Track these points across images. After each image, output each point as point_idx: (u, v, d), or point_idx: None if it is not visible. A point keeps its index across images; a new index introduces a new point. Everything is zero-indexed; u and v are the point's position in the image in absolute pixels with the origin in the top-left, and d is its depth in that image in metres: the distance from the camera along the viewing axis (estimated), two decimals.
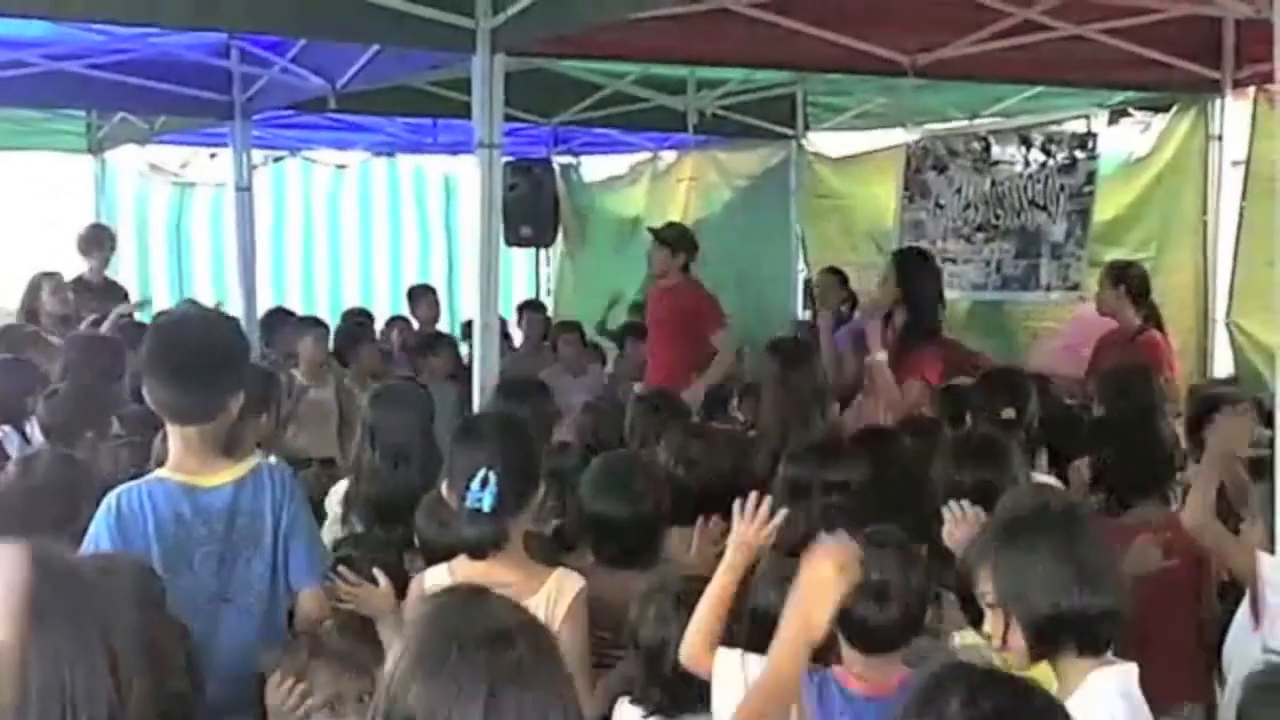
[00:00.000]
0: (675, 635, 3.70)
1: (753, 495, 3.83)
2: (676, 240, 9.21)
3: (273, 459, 4.44)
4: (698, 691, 3.62)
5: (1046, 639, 3.20)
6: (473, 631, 2.39)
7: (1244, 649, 4.18)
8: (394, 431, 5.34)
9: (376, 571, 4.17)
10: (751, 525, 3.79)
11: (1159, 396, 6.61)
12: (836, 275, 9.94)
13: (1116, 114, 9.80)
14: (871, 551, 3.53)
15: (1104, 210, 9.51)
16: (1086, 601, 3.16)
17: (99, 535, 3.94)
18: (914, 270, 7.86)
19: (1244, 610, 4.39)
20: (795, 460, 4.89)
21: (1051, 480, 5.63)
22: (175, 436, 4.08)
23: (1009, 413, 5.84)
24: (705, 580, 3.81)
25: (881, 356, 7.27)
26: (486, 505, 3.90)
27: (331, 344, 9.38)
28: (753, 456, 5.62)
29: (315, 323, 9.14)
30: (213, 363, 4.11)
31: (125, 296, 10.74)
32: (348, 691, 3.69)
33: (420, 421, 5.48)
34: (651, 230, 9.49)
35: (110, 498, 4.02)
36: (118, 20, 7.75)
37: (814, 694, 3.52)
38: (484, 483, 3.90)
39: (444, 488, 4.14)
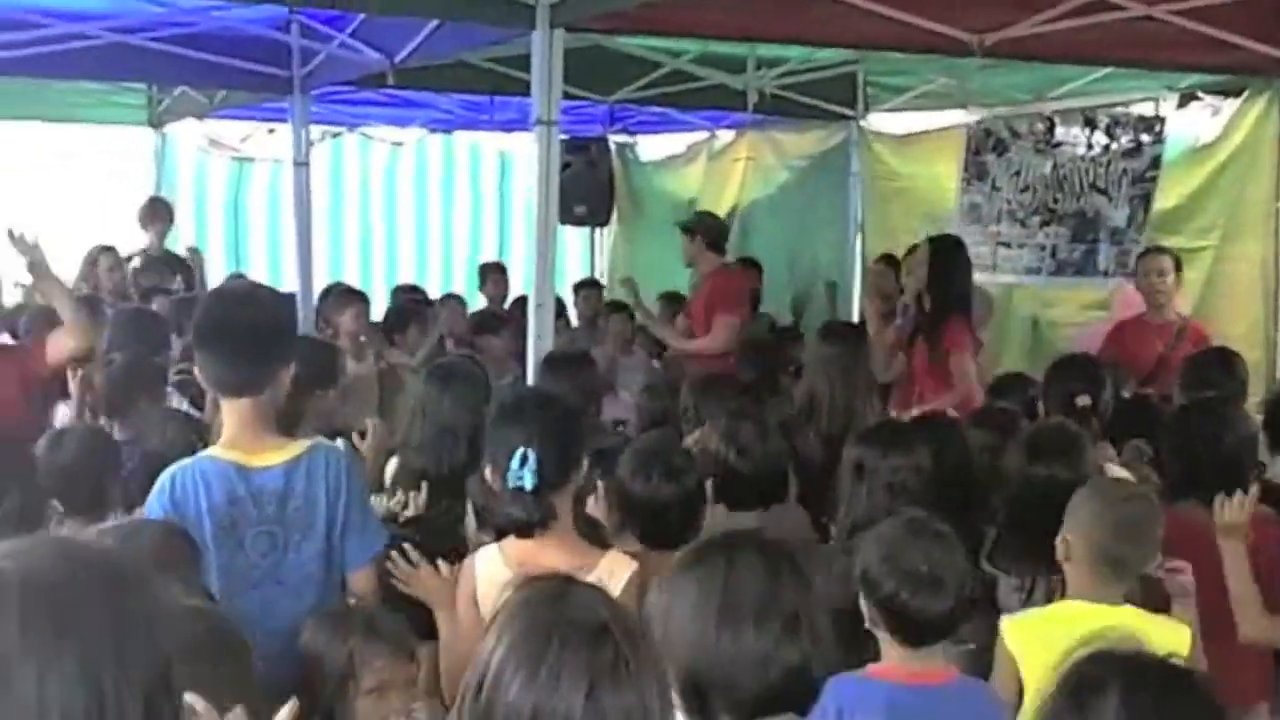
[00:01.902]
0: None
1: None
2: (698, 227, 9.32)
3: (320, 438, 4.40)
4: None
5: None
6: (569, 627, 2.36)
7: None
8: (444, 408, 5.31)
9: (440, 562, 4.12)
10: None
11: (1243, 388, 6.47)
12: (892, 264, 9.84)
13: (1186, 98, 9.62)
14: (917, 542, 3.51)
15: (1167, 197, 9.35)
16: None
17: (150, 513, 3.96)
18: (946, 257, 7.88)
19: None
20: (862, 442, 4.85)
21: (1124, 473, 5.53)
22: (228, 410, 4.10)
23: (1084, 400, 5.75)
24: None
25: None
26: (528, 483, 3.86)
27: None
28: (804, 439, 5.58)
29: (356, 297, 9.09)
30: (260, 334, 4.11)
31: (183, 266, 10.78)
32: (395, 678, 3.65)
33: (472, 399, 5.44)
34: (679, 223, 9.57)
35: (164, 477, 4.02)
36: None
37: (849, 695, 3.46)
38: (523, 460, 3.86)
39: (487, 468, 4.10)
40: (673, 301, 11.15)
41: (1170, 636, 3.87)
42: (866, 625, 3.62)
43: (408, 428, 5.48)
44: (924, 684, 3.52)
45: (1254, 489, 4.59)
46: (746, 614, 2.77)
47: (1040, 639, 3.81)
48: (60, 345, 6.24)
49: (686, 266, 9.44)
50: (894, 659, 3.56)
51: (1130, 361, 7.61)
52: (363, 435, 5.61)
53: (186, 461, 4.10)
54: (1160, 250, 8.48)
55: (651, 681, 2.37)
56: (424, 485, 5.12)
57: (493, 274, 11.92)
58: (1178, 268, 8.22)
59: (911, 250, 8.47)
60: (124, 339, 7.26)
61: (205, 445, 4.38)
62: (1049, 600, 4.43)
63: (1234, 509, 4.51)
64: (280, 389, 4.13)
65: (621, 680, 2.32)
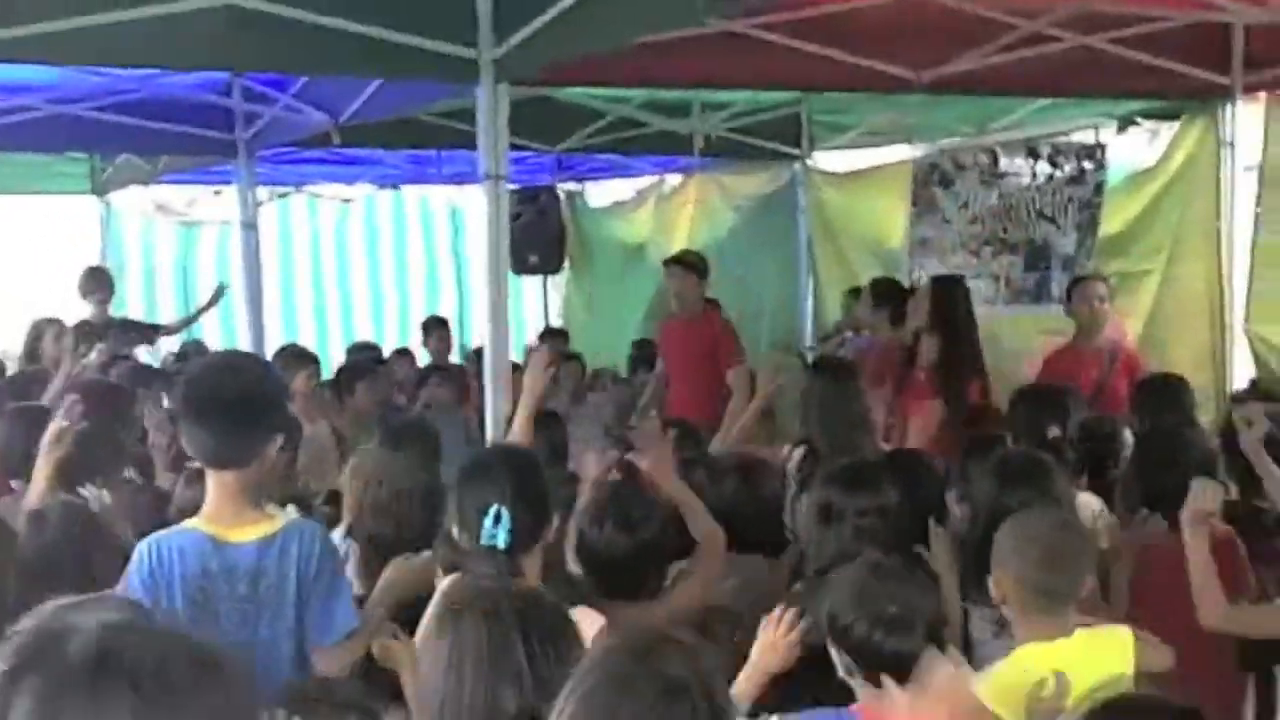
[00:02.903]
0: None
1: (778, 610, 3.76)
2: (700, 264, 9.14)
3: (296, 516, 4.36)
4: None
5: None
6: (647, 681, 2.33)
7: None
8: (398, 470, 5.28)
9: (395, 628, 4.08)
10: (778, 633, 3.75)
11: (1191, 411, 6.52)
12: (857, 295, 9.87)
13: (1125, 124, 9.74)
14: (884, 584, 3.53)
15: (1111, 221, 9.43)
16: None
17: (132, 587, 3.90)
18: (948, 295, 7.91)
19: None
20: (827, 484, 4.84)
21: (1093, 498, 5.56)
22: (212, 482, 4.04)
23: (1054, 431, 5.78)
24: (728, 611, 3.78)
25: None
26: (501, 542, 3.82)
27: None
28: (771, 484, 5.56)
29: (308, 359, 9.07)
30: (252, 406, 4.05)
31: (139, 329, 10.73)
32: None
33: (425, 460, 5.41)
34: (673, 259, 9.41)
35: (142, 547, 3.97)
36: (119, 63, 7.70)
37: None
38: (497, 519, 3.82)
39: (454, 526, 4.08)
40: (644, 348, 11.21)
41: (1115, 647, 3.92)
42: (840, 674, 3.62)
43: (361, 492, 5.41)
44: None
45: (1221, 488, 4.61)
46: (469, 667, 2.85)
47: (1010, 693, 3.82)
48: None
49: (680, 306, 9.15)
50: (870, 701, 3.56)
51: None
52: (326, 501, 5.57)
53: (164, 533, 4.05)
54: (1095, 277, 8.50)
55: None
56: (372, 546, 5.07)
57: (436, 329, 11.85)
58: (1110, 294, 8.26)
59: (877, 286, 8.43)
60: (82, 413, 7.16)
61: (164, 517, 4.34)
62: None
63: (1205, 497, 4.52)
64: (267, 461, 4.08)
65: None
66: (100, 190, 13.07)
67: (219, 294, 11.23)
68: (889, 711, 3.53)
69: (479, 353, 7.83)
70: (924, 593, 3.68)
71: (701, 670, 2.43)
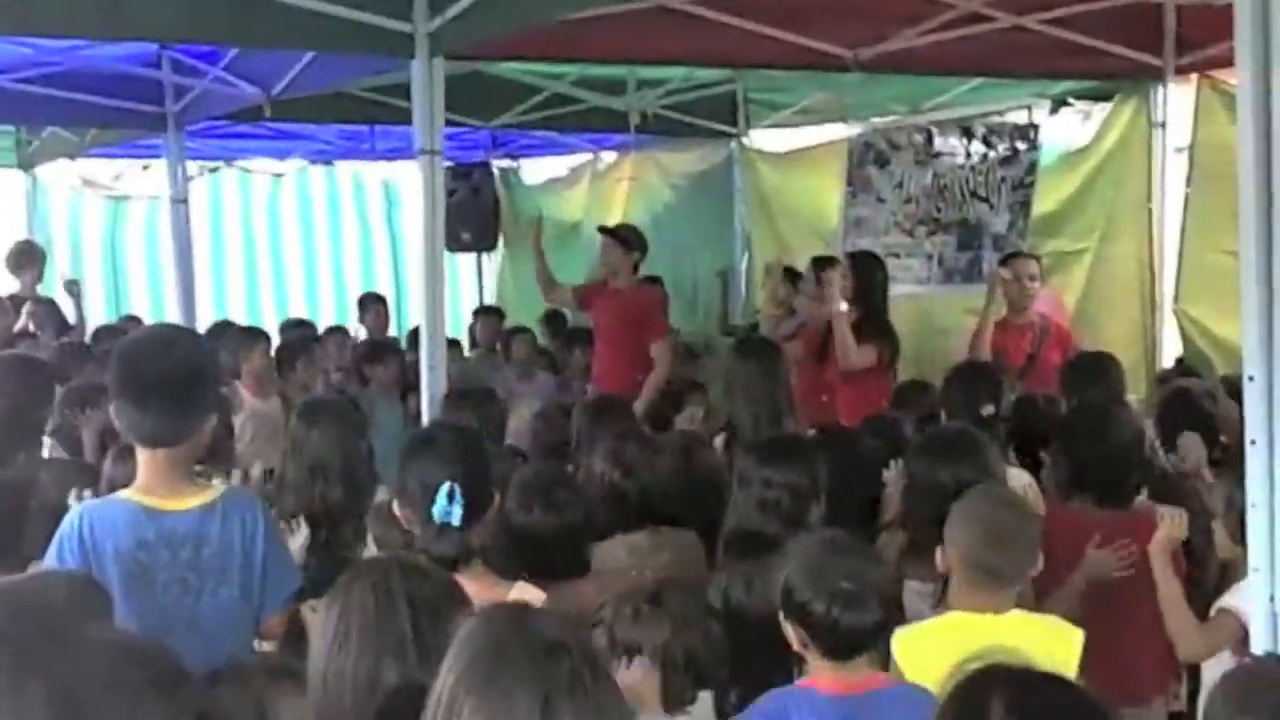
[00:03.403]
0: (649, 636, 3.65)
1: None
2: (633, 238, 9.16)
3: (235, 481, 4.33)
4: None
5: None
6: (525, 643, 2.33)
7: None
8: (314, 446, 5.25)
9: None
10: None
11: (1120, 389, 6.58)
12: (791, 277, 9.89)
13: (1058, 104, 9.81)
14: (838, 559, 3.54)
15: (1045, 201, 9.49)
16: None
17: (61, 554, 3.84)
18: (869, 273, 8.00)
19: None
20: (747, 453, 4.91)
21: (1022, 473, 5.60)
22: (144, 459, 3.97)
23: (989, 409, 5.81)
24: (681, 582, 3.82)
25: (843, 307, 7.34)
26: (456, 519, 3.81)
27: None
28: (709, 460, 5.57)
29: (261, 335, 9.01)
30: (188, 384, 3.98)
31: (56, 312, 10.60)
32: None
33: (342, 436, 5.38)
34: (606, 229, 9.41)
35: (73, 518, 3.91)
36: (42, 33, 7.59)
37: (785, 703, 3.51)
38: (451, 496, 3.82)
39: (395, 502, 4.06)
40: (552, 322, 11.23)
41: (1058, 641, 3.92)
42: (795, 648, 3.63)
43: (280, 468, 5.40)
44: (855, 692, 3.54)
45: (1174, 518, 4.64)
46: (354, 638, 2.84)
47: (927, 651, 3.84)
48: None
49: (610, 277, 9.17)
50: (824, 674, 3.57)
51: (998, 364, 7.68)
52: (266, 474, 5.54)
53: (95, 502, 4.02)
54: (1026, 255, 8.58)
55: (613, 704, 2.33)
56: (301, 522, 5.05)
57: (373, 305, 11.78)
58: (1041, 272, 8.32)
59: (826, 263, 8.46)
60: (3, 387, 7.09)
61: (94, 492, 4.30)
62: None
63: (1174, 525, 4.53)
64: (202, 440, 4.04)
65: (579, 697, 2.27)
66: (26, 164, 12.91)
67: (72, 289, 10.92)
68: (845, 684, 3.54)
69: (417, 333, 7.80)
70: (877, 567, 3.71)
71: (577, 633, 2.45)
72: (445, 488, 3.81)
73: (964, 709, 2.41)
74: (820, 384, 7.85)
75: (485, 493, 4.00)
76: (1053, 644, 3.88)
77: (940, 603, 4.47)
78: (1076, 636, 3.96)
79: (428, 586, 2.84)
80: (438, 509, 3.81)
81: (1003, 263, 8.48)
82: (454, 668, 2.34)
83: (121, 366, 4.11)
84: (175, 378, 3.95)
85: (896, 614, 3.95)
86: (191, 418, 3.98)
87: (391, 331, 11.85)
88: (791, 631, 3.61)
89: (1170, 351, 8.98)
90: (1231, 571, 4.66)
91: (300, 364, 8.92)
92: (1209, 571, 5.07)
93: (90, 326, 10.63)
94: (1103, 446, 5.09)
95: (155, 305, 12.97)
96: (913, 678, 3.76)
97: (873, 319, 7.82)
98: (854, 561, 3.60)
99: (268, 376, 8.37)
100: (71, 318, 10.42)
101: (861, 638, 3.54)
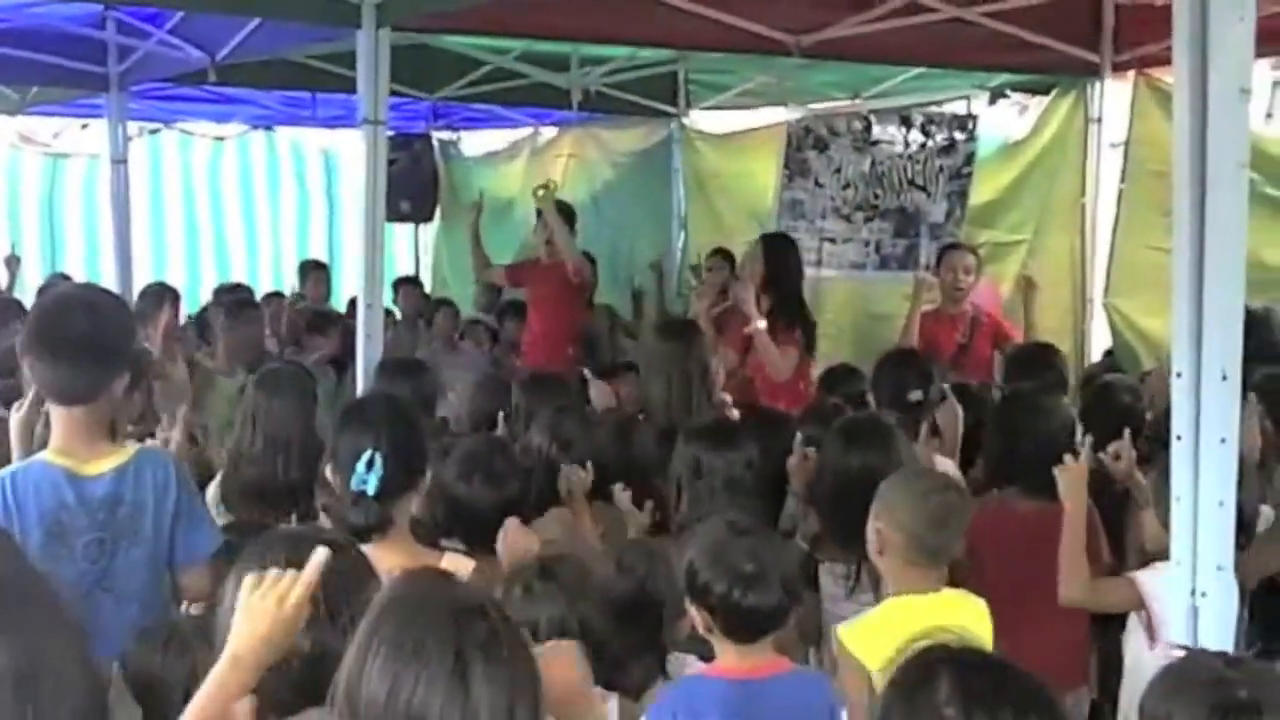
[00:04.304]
0: (545, 614, 3.66)
1: None
2: (569, 212, 9.23)
3: (150, 443, 4.37)
4: None
5: None
6: (442, 603, 2.35)
7: (1140, 665, 4.23)
8: (275, 418, 5.27)
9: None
10: None
11: (1063, 380, 6.69)
12: (726, 256, 9.95)
13: (996, 96, 9.90)
14: (739, 542, 3.60)
15: (981, 192, 9.58)
16: None
17: None
18: (780, 254, 7.99)
19: (1136, 632, 4.48)
20: (693, 440, 4.93)
21: (946, 461, 5.69)
22: (59, 417, 4.04)
23: (916, 395, 5.89)
24: (568, 558, 3.86)
25: (761, 324, 7.37)
26: (371, 488, 3.86)
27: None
28: (642, 438, 5.62)
29: (170, 294, 8.97)
30: (99, 342, 4.06)
31: None
32: None
33: (300, 405, 5.41)
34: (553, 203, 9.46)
35: None
36: None
37: (682, 694, 3.57)
38: (369, 465, 3.86)
39: (328, 470, 4.10)
40: (488, 292, 11.35)
41: (979, 616, 4.01)
42: (700, 631, 3.69)
43: (237, 439, 5.41)
44: (757, 676, 3.60)
45: (1086, 451, 4.76)
46: None
47: (878, 640, 3.90)
48: None
49: (543, 251, 9.23)
50: (729, 657, 3.63)
51: (929, 352, 7.75)
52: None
53: (17, 465, 4.06)
54: (963, 246, 8.71)
55: (527, 669, 2.34)
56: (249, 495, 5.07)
57: (313, 272, 11.75)
58: (978, 264, 8.44)
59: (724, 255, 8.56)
60: None
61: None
62: (876, 585, 4.55)
63: (1072, 465, 4.66)
64: (115, 397, 4.10)
65: (494, 658, 2.28)
66: None
67: (10, 264, 10.79)
68: (748, 667, 3.60)
69: (354, 303, 7.79)
70: (781, 550, 3.77)
71: (491, 599, 2.49)
72: (366, 456, 3.85)
73: (910, 689, 2.45)
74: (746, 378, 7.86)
75: (413, 463, 4.03)
76: (978, 621, 3.98)
77: (857, 584, 4.58)
78: (984, 607, 4.05)
79: (341, 560, 2.84)
80: (355, 477, 3.86)
81: (940, 255, 8.58)
82: (370, 622, 2.36)
83: (35, 323, 4.19)
84: (84, 334, 4.03)
85: (804, 595, 4.04)
86: (101, 374, 4.04)
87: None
88: (696, 614, 3.67)
89: (1099, 344, 9.11)
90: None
91: (229, 328, 8.87)
92: (1130, 558, 5.17)
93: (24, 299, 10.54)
94: (1031, 436, 5.20)
95: (90, 265, 12.88)
96: (873, 669, 3.82)
97: (786, 304, 7.75)
98: (755, 543, 3.65)
99: (173, 337, 8.30)
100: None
101: (763, 619, 3.61)
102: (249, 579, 2.72)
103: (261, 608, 2.67)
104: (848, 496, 4.67)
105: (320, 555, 2.71)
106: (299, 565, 2.74)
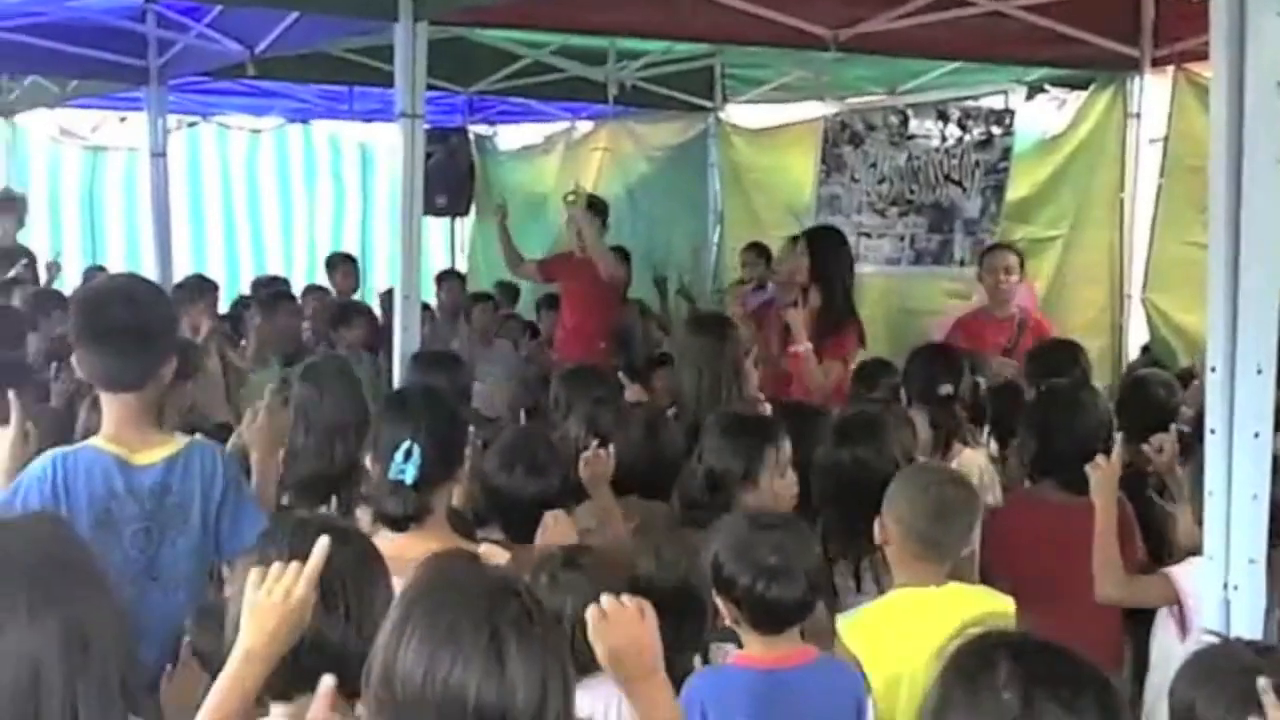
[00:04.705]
0: (570, 602, 3.62)
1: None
2: (601, 207, 9.24)
3: (195, 436, 4.41)
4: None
5: None
6: (472, 587, 2.38)
7: (1169, 658, 4.23)
8: (328, 409, 5.30)
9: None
10: None
11: (1086, 377, 6.65)
12: (761, 251, 9.94)
13: (1034, 90, 9.87)
14: (764, 535, 3.62)
15: (1018, 187, 9.57)
16: None
17: (28, 494, 3.92)
18: (829, 250, 7.83)
19: (1165, 626, 4.47)
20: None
21: (980, 455, 5.69)
22: (110, 405, 4.09)
23: (946, 389, 5.89)
24: (592, 548, 3.87)
25: (805, 347, 7.28)
26: (409, 477, 3.86)
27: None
28: (672, 432, 5.63)
29: (209, 287, 9.04)
30: (143, 328, 4.09)
31: (31, 259, 10.61)
32: None
33: (354, 395, 5.43)
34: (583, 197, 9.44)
35: (45, 462, 4.00)
36: None
37: (709, 684, 3.58)
38: (407, 455, 3.87)
39: (368, 460, 4.12)
40: (507, 290, 11.41)
41: (997, 608, 4.02)
42: (727, 623, 3.71)
43: (290, 436, 5.42)
44: (783, 666, 3.62)
45: (1118, 443, 4.73)
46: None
47: (879, 632, 3.95)
48: None
49: (581, 245, 9.21)
50: (755, 647, 3.65)
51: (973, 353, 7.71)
52: (220, 428, 5.57)
53: (70, 449, 4.08)
54: (1005, 247, 8.55)
55: (557, 649, 2.37)
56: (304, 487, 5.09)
57: (342, 265, 11.76)
58: (1020, 263, 8.34)
59: (794, 241, 8.50)
60: None
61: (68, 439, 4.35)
62: (878, 580, 4.59)
63: (1103, 464, 4.63)
64: (162, 384, 4.15)
65: (527, 635, 2.31)
66: (6, 111, 12.88)
67: (51, 269, 10.89)
68: (774, 658, 3.62)
69: (390, 294, 7.82)
70: (805, 542, 3.77)
71: (523, 581, 2.53)
72: (404, 446, 3.87)
73: (969, 672, 2.45)
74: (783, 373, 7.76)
75: (451, 454, 4.04)
76: (992, 614, 3.97)
77: (860, 582, 4.62)
78: (1010, 607, 4.05)
79: (345, 550, 2.86)
80: (394, 467, 3.87)
81: (982, 257, 8.52)
82: (403, 605, 2.39)
83: (80, 313, 4.23)
84: (127, 321, 4.06)
85: (826, 589, 4.07)
86: (149, 360, 4.09)
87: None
88: (723, 606, 3.69)
89: (1135, 340, 9.08)
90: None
91: (263, 321, 8.95)
92: (1167, 555, 5.15)
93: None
94: (1068, 431, 5.19)
95: (131, 257, 12.94)
96: (867, 661, 3.83)
97: (835, 302, 7.57)
98: (780, 537, 3.66)
99: (212, 332, 8.38)
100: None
101: (788, 611, 3.62)
102: (254, 574, 2.77)
103: (268, 603, 2.72)
104: (843, 491, 4.78)
105: (322, 546, 2.75)
106: (304, 554, 2.78)
